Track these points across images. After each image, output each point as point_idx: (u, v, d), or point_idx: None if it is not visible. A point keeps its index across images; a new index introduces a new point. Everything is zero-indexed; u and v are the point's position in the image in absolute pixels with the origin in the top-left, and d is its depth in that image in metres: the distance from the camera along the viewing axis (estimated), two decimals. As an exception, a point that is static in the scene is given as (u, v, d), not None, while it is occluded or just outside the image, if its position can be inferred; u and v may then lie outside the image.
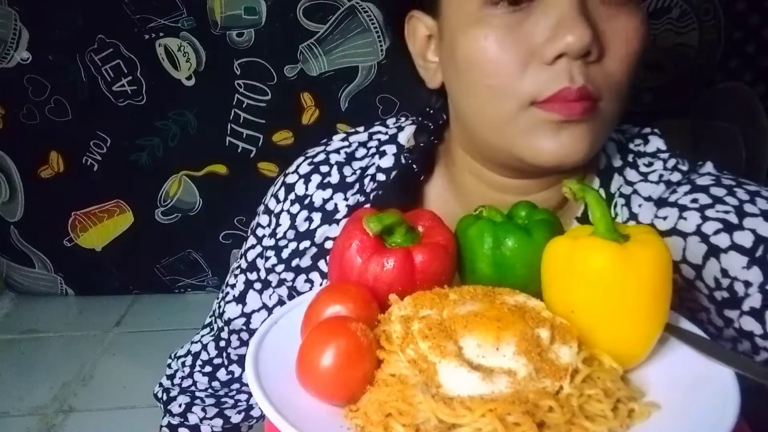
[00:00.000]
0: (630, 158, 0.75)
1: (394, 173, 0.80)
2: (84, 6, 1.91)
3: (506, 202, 0.69)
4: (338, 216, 0.79)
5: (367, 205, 0.78)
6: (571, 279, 0.53)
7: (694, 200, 0.68)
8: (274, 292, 0.83)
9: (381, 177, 0.79)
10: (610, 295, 0.52)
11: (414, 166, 0.79)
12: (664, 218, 0.69)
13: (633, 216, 0.71)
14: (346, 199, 0.79)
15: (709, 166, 0.73)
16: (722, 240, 0.65)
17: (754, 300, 0.64)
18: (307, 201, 0.79)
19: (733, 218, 0.66)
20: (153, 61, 1.95)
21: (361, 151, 0.82)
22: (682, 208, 0.68)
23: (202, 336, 0.91)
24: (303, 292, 0.81)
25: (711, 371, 0.52)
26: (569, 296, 0.53)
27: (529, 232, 0.59)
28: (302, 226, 0.79)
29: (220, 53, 1.93)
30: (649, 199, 0.71)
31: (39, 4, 1.91)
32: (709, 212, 0.67)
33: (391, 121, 0.85)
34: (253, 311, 0.84)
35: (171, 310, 2.18)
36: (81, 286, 2.28)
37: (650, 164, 0.74)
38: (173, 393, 0.90)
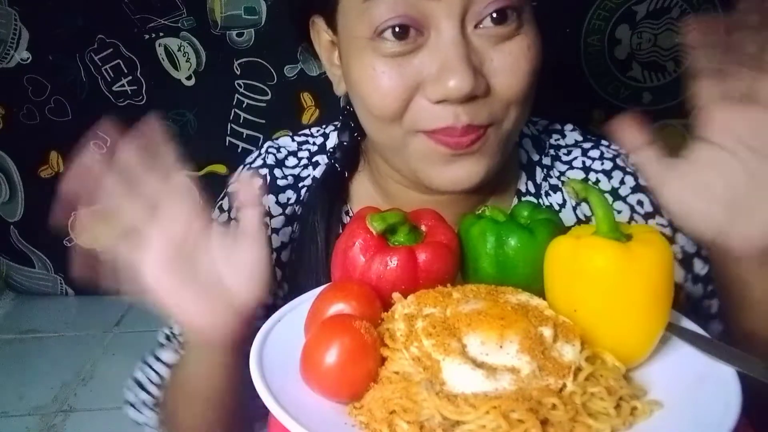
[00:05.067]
0: (552, 151, 0.81)
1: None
2: (84, 6, 1.90)
3: (429, 202, 0.72)
4: (274, 221, 0.80)
5: (299, 209, 0.80)
6: (573, 278, 0.53)
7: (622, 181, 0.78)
8: None
9: None
10: (612, 294, 0.52)
11: (337, 165, 0.81)
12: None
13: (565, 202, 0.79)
14: (278, 202, 0.81)
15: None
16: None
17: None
18: None
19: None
20: (153, 61, 1.95)
21: (292, 160, 0.84)
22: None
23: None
24: (266, 303, 0.81)
25: (713, 370, 0.52)
26: (572, 295, 0.54)
27: (532, 231, 0.60)
28: None
29: (220, 53, 1.93)
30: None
31: (39, 4, 1.91)
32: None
33: (315, 130, 0.87)
34: None
35: (171, 310, 2.18)
36: (81, 286, 2.28)
37: (569, 152, 0.81)
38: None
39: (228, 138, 2.03)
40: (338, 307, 0.54)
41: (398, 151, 0.69)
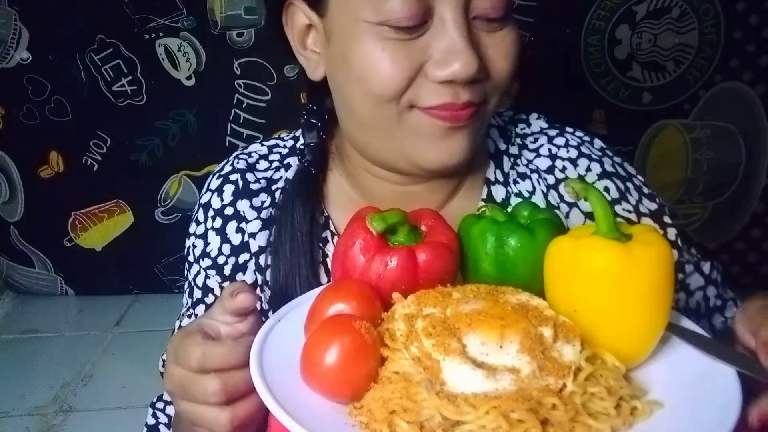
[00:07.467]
0: (518, 140, 0.82)
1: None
2: (84, 6, 1.90)
3: (405, 193, 0.75)
4: (250, 225, 0.79)
5: (275, 212, 0.79)
6: (573, 278, 0.53)
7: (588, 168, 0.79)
8: None
9: None
10: (612, 293, 0.52)
11: (311, 168, 0.80)
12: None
13: (551, 186, 0.79)
14: (252, 206, 0.80)
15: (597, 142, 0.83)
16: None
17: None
18: (229, 212, 0.80)
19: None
20: (153, 61, 1.95)
21: (263, 164, 0.84)
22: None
23: None
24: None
25: (713, 370, 0.52)
26: (572, 295, 0.54)
27: (532, 231, 0.60)
28: (236, 239, 0.79)
29: (220, 53, 1.93)
30: (548, 170, 0.80)
31: (39, 4, 1.91)
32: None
33: (285, 134, 0.87)
34: None
35: (171, 310, 2.14)
36: (81, 286, 2.28)
37: (536, 140, 0.82)
38: None
39: (228, 138, 2.03)
40: (338, 307, 0.54)
41: (389, 130, 0.69)
